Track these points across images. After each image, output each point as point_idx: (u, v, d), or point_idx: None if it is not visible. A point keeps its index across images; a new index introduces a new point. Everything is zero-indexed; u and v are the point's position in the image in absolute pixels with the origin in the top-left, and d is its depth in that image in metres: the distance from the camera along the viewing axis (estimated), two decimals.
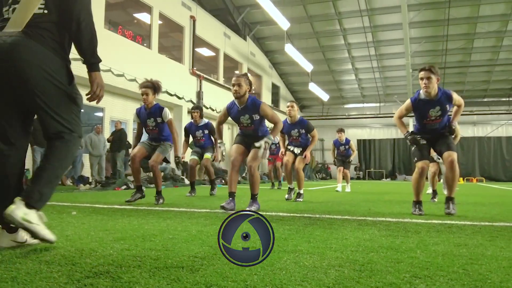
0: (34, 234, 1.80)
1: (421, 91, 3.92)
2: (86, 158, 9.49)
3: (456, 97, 3.94)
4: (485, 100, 22.53)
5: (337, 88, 24.10)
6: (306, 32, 19.11)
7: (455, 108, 4.05)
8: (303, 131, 5.66)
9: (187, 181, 10.97)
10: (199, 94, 14.58)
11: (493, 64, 19.87)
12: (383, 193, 8.25)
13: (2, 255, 1.77)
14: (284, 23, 14.31)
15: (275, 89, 22.53)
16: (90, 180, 8.90)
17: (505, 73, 20.64)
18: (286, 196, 5.81)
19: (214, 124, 4.91)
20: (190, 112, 6.49)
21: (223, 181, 11.60)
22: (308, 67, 18.36)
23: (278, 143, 7.32)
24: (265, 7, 13.08)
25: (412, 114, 4.20)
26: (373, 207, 4.68)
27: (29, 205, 1.79)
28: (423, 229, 2.86)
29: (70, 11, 1.90)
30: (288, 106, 5.66)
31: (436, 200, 5.78)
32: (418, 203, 4.02)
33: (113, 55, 9.99)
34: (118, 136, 10.08)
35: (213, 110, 15.24)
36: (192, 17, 14.44)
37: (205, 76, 15.26)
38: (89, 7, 1.97)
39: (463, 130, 20.06)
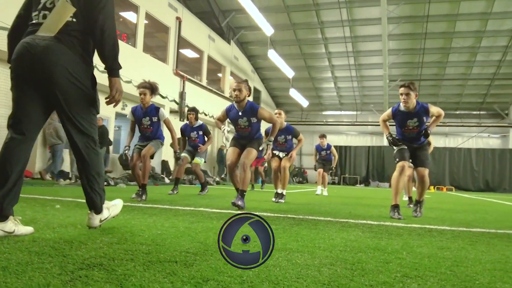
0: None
1: (401, 104, 4.25)
2: (66, 153, 9.24)
3: (434, 109, 4.24)
4: (457, 112, 23.35)
5: (316, 95, 24.44)
6: (289, 39, 19.33)
7: (434, 117, 4.34)
8: (290, 137, 5.98)
9: (167, 180, 10.89)
10: (182, 95, 14.48)
11: (466, 78, 20.65)
12: (359, 198, 8.44)
13: None
14: (268, 29, 14.43)
15: (256, 94, 22.63)
16: (70, 176, 8.68)
17: (477, 88, 21.48)
18: (273, 199, 5.87)
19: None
20: (186, 113, 6.72)
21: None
22: (289, 73, 18.55)
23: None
24: (250, 13, 13.16)
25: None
26: (353, 210, 4.79)
27: (97, 212, 2.24)
28: (405, 232, 2.94)
29: (95, 20, 2.07)
30: (276, 113, 5.86)
31: (412, 206, 5.95)
32: (396, 207, 4.15)
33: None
34: (100, 133, 9.85)
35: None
36: (178, 18, 14.37)
37: (188, 77, 15.18)
38: (113, 18, 2.15)
39: (435, 141, 20.70)
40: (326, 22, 17.89)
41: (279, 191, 5.88)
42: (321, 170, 9.09)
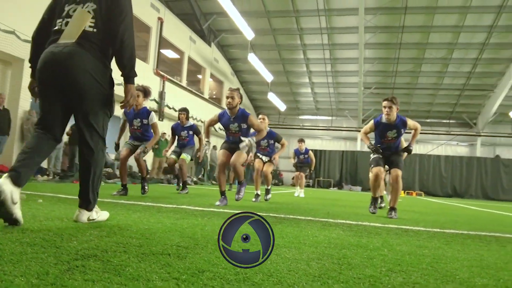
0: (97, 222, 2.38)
1: (383, 116, 4.61)
2: None
3: (410, 123, 4.67)
4: (428, 120, 24.14)
5: (293, 99, 24.72)
6: (269, 44, 19.49)
7: (413, 131, 4.76)
8: (272, 142, 6.29)
9: None
10: (161, 94, 14.35)
11: (437, 88, 21.42)
12: (335, 200, 8.65)
13: None
14: (248, 33, 14.51)
15: None
16: (48, 172, 8.47)
17: (447, 97, 22.30)
18: (253, 199, 6.01)
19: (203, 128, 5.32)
20: (178, 114, 6.91)
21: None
22: (268, 77, 18.70)
23: None
24: (231, 16, 13.20)
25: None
26: (330, 211, 4.93)
27: (88, 210, 2.31)
28: (383, 231, 3.05)
29: (116, 31, 2.22)
30: (260, 119, 6.14)
31: (383, 205, 6.24)
32: (374, 200, 4.80)
33: None
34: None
35: (176, 110, 15.07)
36: (159, 18, 14.28)
37: (168, 77, 15.06)
38: (132, 29, 2.30)
39: None
40: (305, 29, 18.16)
41: (259, 192, 6.08)
42: (297, 173, 9.45)
